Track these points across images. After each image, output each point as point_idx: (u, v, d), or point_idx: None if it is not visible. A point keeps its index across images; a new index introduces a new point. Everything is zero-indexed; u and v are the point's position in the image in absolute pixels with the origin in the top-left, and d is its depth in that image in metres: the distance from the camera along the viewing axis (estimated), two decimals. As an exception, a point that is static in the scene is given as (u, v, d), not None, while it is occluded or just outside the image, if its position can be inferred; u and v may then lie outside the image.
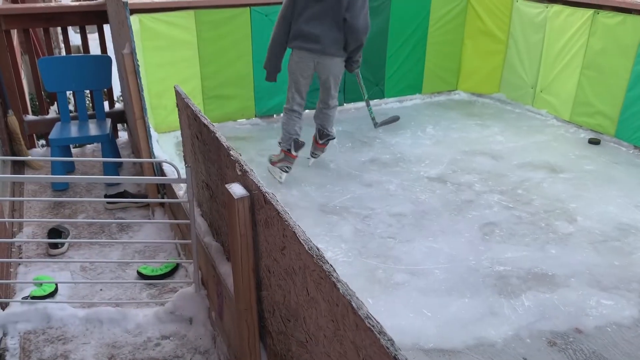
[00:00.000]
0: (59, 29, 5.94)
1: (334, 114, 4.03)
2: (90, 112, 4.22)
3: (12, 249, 3.05)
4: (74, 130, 3.90)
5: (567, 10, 4.69)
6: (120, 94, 4.99)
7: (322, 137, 4.04)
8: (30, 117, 4.31)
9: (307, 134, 4.07)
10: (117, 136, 4.61)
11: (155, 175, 3.39)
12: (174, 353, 2.31)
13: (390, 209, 3.45)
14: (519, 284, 2.75)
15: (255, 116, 4.95)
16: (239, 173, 1.64)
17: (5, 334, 2.37)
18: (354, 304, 1.05)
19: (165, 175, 3.23)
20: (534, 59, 5.10)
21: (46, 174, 3.93)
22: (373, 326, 0.99)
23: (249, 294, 1.70)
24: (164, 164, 3.28)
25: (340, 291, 1.09)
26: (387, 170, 3.99)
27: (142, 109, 3.16)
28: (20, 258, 2.98)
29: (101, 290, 2.74)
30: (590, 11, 4.49)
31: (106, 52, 4.33)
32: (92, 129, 3.94)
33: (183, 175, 2.27)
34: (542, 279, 2.79)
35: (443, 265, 2.89)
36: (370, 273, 2.83)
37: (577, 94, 4.74)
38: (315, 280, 1.22)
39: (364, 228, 3.24)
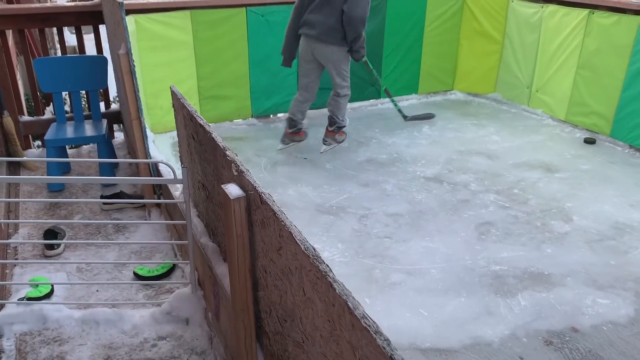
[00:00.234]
0: (54, 30, 5.92)
1: (343, 103, 4.20)
2: (86, 112, 4.21)
3: (8, 250, 3.04)
4: (69, 130, 3.89)
5: (563, 10, 4.70)
6: (116, 94, 4.98)
7: (332, 124, 4.26)
8: (26, 117, 4.30)
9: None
10: (113, 137, 4.60)
11: (151, 176, 3.38)
12: (170, 354, 2.31)
13: (387, 208, 3.46)
14: (515, 284, 2.75)
15: (252, 116, 4.95)
16: (235, 173, 1.64)
17: (0, 336, 2.37)
18: (350, 304, 1.05)
19: (161, 176, 3.22)
20: (529, 59, 5.11)
21: (42, 175, 3.92)
22: (369, 326, 0.99)
23: (246, 295, 1.70)
24: (160, 164, 3.28)
25: (337, 291, 1.09)
26: (383, 170, 4.00)
27: (138, 110, 3.15)
28: (16, 259, 2.97)
29: (97, 291, 2.73)
30: (586, 11, 4.51)
31: (102, 53, 4.32)
32: (88, 129, 3.94)
33: (179, 175, 2.27)
34: (538, 278, 2.80)
35: (439, 265, 2.90)
36: (367, 273, 2.83)
37: (573, 93, 4.75)
38: (312, 280, 1.22)
39: (360, 228, 3.24)
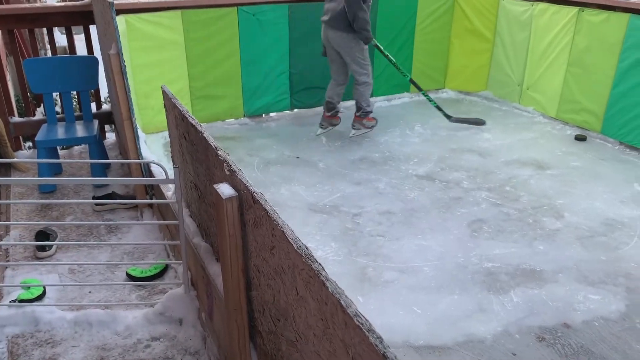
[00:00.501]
0: (44, 30, 5.89)
1: (363, 90, 4.45)
2: (77, 113, 4.18)
3: (-1, 252, 3.02)
4: (60, 131, 3.87)
5: (552, 8, 4.73)
6: (107, 94, 4.96)
7: (357, 110, 4.56)
8: (16, 118, 4.27)
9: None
10: (104, 137, 4.58)
11: (143, 176, 3.37)
12: (164, 354, 2.30)
13: (380, 207, 3.46)
14: (507, 280, 2.77)
15: (244, 116, 4.95)
16: (227, 173, 1.64)
17: (-8, 338, 2.35)
18: (342, 302, 1.05)
19: (153, 176, 3.21)
20: (520, 57, 5.13)
21: (33, 176, 3.90)
22: (362, 324, 0.99)
23: (239, 294, 1.70)
24: (152, 164, 3.26)
25: (329, 290, 1.10)
26: (376, 169, 4.01)
27: (130, 110, 3.14)
28: (7, 261, 2.96)
29: (90, 292, 2.72)
30: (575, 9, 4.54)
31: (92, 53, 4.30)
32: (79, 130, 3.91)
33: (171, 175, 2.26)
34: (530, 275, 2.81)
35: (432, 263, 2.91)
36: (360, 271, 2.84)
37: (563, 91, 4.78)
38: (304, 279, 1.23)
39: (353, 226, 3.24)
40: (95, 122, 4.02)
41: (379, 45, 4.48)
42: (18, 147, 4.33)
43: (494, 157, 4.22)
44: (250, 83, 4.82)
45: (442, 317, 2.51)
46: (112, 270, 2.91)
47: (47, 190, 3.72)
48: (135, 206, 3.50)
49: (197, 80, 4.62)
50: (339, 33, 4.18)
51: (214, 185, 1.62)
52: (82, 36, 4.35)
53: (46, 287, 2.65)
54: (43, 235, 3.11)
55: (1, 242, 3.09)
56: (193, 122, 1.99)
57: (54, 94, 4.21)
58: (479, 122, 4.78)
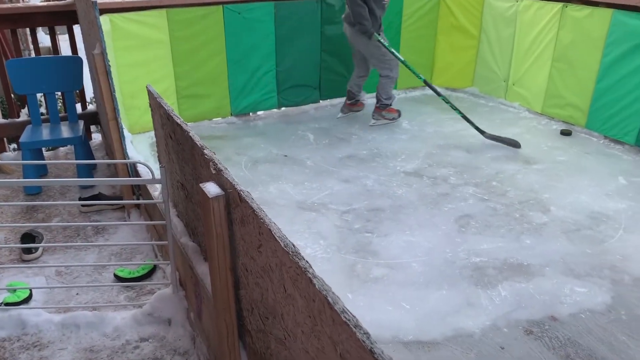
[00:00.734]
0: (27, 30, 5.82)
1: (385, 83, 4.66)
2: (62, 114, 4.15)
3: (-16, 256, 2.99)
4: (45, 132, 3.83)
5: (537, 4, 4.76)
6: (93, 95, 4.91)
7: (377, 101, 4.76)
8: (0, 120, 4.22)
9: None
10: (90, 138, 4.55)
11: (129, 177, 3.35)
12: (153, 355, 2.30)
13: (368, 204, 3.47)
14: (495, 275, 2.79)
15: (231, 115, 4.93)
16: (214, 172, 1.63)
17: (-21, 342, 2.33)
18: (330, 299, 1.05)
19: (139, 176, 3.19)
20: (505, 53, 5.17)
21: (18, 178, 3.86)
22: (349, 320, 1.00)
23: (227, 293, 1.70)
24: (138, 164, 3.25)
25: (317, 287, 1.10)
26: (364, 166, 4.01)
27: (115, 110, 3.12)
28: (-7, 264, 2.93)
29: (77, 294, 2.70)
30: (559, 5, 4.57)
31: (77, 53, 4.26)
32: (65, 131, 3.88)
33: (158, 175, 2.25)
34: (517, 269, 2.84)
35: (421, 259, 2.92)
36: (349, 268, 2.84)
37: (549, 86, 4.82)
38: (292, 276, 1.23)
39: (342, 224, 3.25)
40: (81, 123, 3.99)
41: (383, 43, 4.49)
42: (2, 149, 4.29)
43: (480, 153, 4.24)
44: (237, 81, 4.80)
45: (430, 312, 2.53)
46: (100, 272, 2.89)
47: (33, 192, 3.68)
48: (122, 207, 3.48)
49: (183, 80, 4.59)
50: (350, 28, 4.45)
51: (201, 185, 1.62)
52: (66, 36, 4.31)
53: (32, 290, 2.63)
54: (29, 237, 3.08)
55: (-14, 245, 3.06)
56: (179, 121, 1.98)
57: (38, 95, 4.17)
58: (515, 145, 4.31)
